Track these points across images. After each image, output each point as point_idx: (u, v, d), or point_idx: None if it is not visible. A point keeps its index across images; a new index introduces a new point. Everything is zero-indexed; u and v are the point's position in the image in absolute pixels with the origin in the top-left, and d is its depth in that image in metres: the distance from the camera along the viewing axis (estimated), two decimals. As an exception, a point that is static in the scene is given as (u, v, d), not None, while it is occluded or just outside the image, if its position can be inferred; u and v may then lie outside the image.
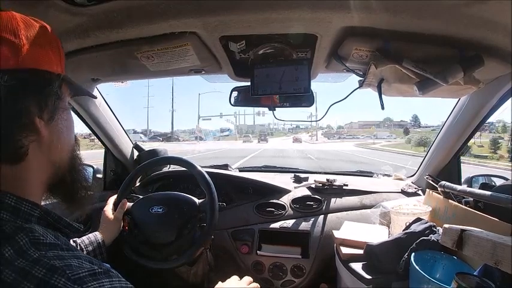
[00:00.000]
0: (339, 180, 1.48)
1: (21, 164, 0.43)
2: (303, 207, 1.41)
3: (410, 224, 0.99)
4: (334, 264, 1.12)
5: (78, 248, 0.90)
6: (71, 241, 0.77)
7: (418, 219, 0.99)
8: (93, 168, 1.53)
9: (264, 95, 1.07)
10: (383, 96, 0.98)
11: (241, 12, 0.74)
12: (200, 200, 1.12)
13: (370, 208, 1.32)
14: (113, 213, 1.06)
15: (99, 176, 1.59)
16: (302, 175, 1.61)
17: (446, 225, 0.78)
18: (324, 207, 1.40)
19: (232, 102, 1.21)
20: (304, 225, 1.33)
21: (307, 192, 1.47)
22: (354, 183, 1.50)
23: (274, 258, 1.30)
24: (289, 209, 1.40)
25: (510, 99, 1.08)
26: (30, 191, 0.45)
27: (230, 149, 22.68)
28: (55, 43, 0.48)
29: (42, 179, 0.47)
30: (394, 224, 1.10)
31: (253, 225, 1.37)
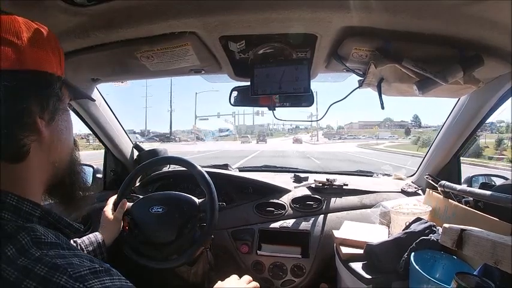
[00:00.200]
0: (339, 180, 1.48)
1: (22, 164, 0.44)
2: (303, 207, 1.41)
3: (410, 223, 0.99)
4: (334, 264, 1.12)
5: (79, 248, 0.90)
6: (72, 241, 0.77)
7: (418, 219, 0.99)
8: (93, 168, 1.53)
9: (264, 95, 1.07)
10: (383, 95, 0.98)
11: (241, 12, 0.74)
12: (200, 200, 1.12)
13: (370, 208, 1.32)
14: (112, 214, 1.06)
15: (99, 176, 1.60)
16: (302, 175, 1.61)
17: (446, 225, 0.78)
18: (324, 206, 1.40)
19: (232, 102, 1.21)
20: (304, 225, 1.33)
21: (307, 192, 1.47)
22: (353, 183, 1.51)
23: (274, 258, 1.30)
24: (289, 208, 1.40)
25: (510, 99, 1.08)
26: (31, 190, 0.45)
27: (224, 150, 22.04)
28: (55, 46, 0.48)
29: (42, 179, 0.48)
30: (394, 223, 1.10)
31: (253, 224, 1.37)
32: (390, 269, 0.88)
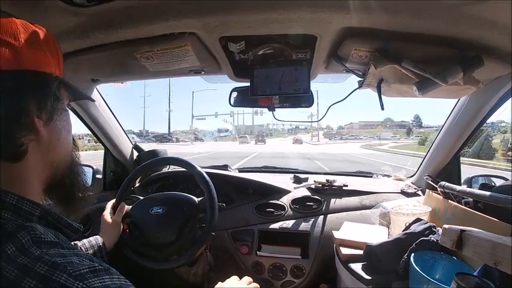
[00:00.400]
0: (339, 180, 1.48)
1: (20, 163, 0.44)
2: (303, 207, 1.41)
3: (410, 224, 0.99)
4: (334, 265, 1.12)
5: None
6: (72, 244, 0.77)
7: (417, 220, 0.99)
8: (92, 168, 1.53)
9: (264, 96, 1.07)
10: (383, 96, 0.98)
11: (240, 12, 0.74)
12: (199, 199, 1.12)
13: (370, 208, 1.32)
14: (111, 217, 1.06)
15: (99, 176, 1.60)
16: (302, 175, 1.61)
17: (445, 226, 0.78)
18: (323, 207, 1.40)
19: (232, 103, 1.21)
20: (304, 226, 1.33)
21: (307, 193, 1.47)
22: (353, 183, 1.51)
23: (274, 259, 1.30)
24: (289, 209, 1.40)
25: (510, 99, 1.08)
26: (30, 190, 0.45)
27: (217, 151, 20.67)
28: (54, 47, 0.49)
29: (41, 178, 0.48)
30: (393, 224, 1.10)
31: (253, 225, 1.37)
32: (390, 269, 0.88)
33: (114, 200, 1.14)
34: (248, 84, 1.06)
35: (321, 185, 1.47)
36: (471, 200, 0.95)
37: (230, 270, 1.12)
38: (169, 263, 1.05)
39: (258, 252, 1.31)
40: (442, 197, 1.08)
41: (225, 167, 1.73)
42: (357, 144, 38.56)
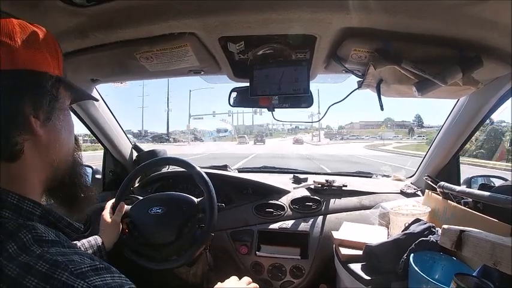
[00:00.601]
0: (338, 181, 1.48)
1: (18, 163, 0.44)
2: (302, 207, 1.41)
3: (410, 224, 0.99)
4: (334, 265, 1.12)
5: None
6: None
7: (417, 220, 0.99)
8: (92, 168, 1.53)
9: (263, 96, 1.07)
10: (382, 97, 0.98)
11: (240, 12, 0.74)
12: (199, 199, 1.12)
13: (369, 209, 1.32)
14: (111, 217, 1.06)
15: (98, 176, 1.59)
16: (301, 176, 1.61)
17: (445, 226, 0.78)
18: (323, 207, 1.40)
19: (231, 103, 1.21)
20: (304, 226, 1.33)
21: (307, 193, 1.47)
22: (353, 184, 1.50)
23: (273, 259, 1.30)
24: (289, 209, 1.40)
25: (509, 99, 1.09)
26: (30, 189, 0.46)
27: (212, 152, 19.59)
28: (53, 46, 0.48)
29: (41, 178, 0.48)
30: (393, 224, 1.10)
31: (252, 225, 1.37)
32: (389, 270, 0.88)
33: (113, 200, 1.14)
34: (248, 84, 1.06)
35: (320, 185, 1.47)
36: (470, 200, 0.95)
37: (229, 270, 1.12)
38: (168, 263, 1.05)
39: (257, 252, 1.31)
40: (441, 198, 1.08)
41: (224, 167, 1.73)
42: (360, 144, 37.43)
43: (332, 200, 1.42)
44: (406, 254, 0.86)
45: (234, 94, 1.20)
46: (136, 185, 1.62)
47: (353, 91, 1.03)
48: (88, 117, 1.37)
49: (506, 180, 1.21)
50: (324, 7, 0.71)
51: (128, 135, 1.67)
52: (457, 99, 1.23)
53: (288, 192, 1.49)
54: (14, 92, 0.43)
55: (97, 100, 0.64)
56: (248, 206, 1.43)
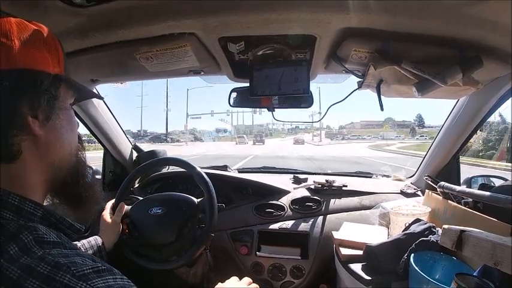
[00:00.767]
0: (338, 181, 1.48)
1: (18, 163, 0.43)
2: (302, 208, 1.41)
3: (410, 224, 0.99)
4: (334, 265, 1.12)
5: None
6: None
7: (417, 220, 0.99)
8: (92, 169, 1.53)
9: (263, 96, 1.07)
10: (382, 97, 0.98)
11: (240, 13, 0.74)
12: (199, 199, 1.12)
13: (369, 209, 1.32)
14: (111, 217, 1.06)
15: (98, 177, 1.59)
16: (301, 176, 1.61)
17: (445, 226, 0.78)
18: (323, 208, 1.40)
19: (231, 104, 1.21)
20: (304, 226, 1.33)
21: (307, 193, 1.47)
22: (353, 184, 1.50)
23: (273, 259, 1.30)
24: (289, 210, 1.40)
25: (509, 99, 1.09)
26: (31, 190, 0.45)
27: (206, 154, 18.40)
28: (52, 43, 0.48)
29: (42, 178, 0.47)
30: (393, 224, 1.10)
31: (252, 226, 1.37)
32: (390, 270, 0.88)
33: (113, 201, 1.14)
34: (247, 84, 1.06)
35: (320, 186, 1.47)
36: (471, 200, 0.95)
37: (230, 270, 1.12)
38: (168, 264, 1.05)
39: (257, 252, 1.31)
40: (441, 197, 1.08)
41: (224, 168, 1.73)
42: (363, 144, 36.12)
43: (332, 200, 1.42)
44: (406, 254, 0.85)
45: (234, 94, 1.20)
46: (136, 185, 1.61)
47: (353, 91, 1.03)
48: (88, 117, 1.37)
49: (506, 180, 1.21)
50: (324, 7, 0.71)
51: (127, 135, 1.67)
52: (457, 100, 1.23)
53: (288, 192, 1.49)
54: (10, 92, 0.42)
55: (102, 98, 0.64)
56: (248, 206, 1.43)
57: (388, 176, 1.73)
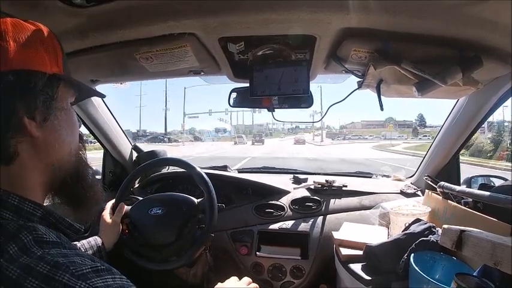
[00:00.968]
0: (338, 181, 1.48)
1: (16, 164, 0.43)
2: (302, 208, 1.41)
3: (410, 224, 0.99)
4: (334, 265, 1.12)
5: None
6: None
7: (417, 220, 0.99)
8: (91, 169, 1.52)
9: (263, 96, 1.07)
10: (382, 97, 0.98)
11: (240, 13, 0.74)
12: (199, 200, 1.12)
13: (369, 209, 1.32)
14: (111, 218, 1.06)
15: (98, 177, 1.59)
16: (301, 176, 1.61)
17: (445, 226, 0.78)
18: (323, 208, 1.40)
19: (231, 104, 1.21)
20: (304, 226, 1.33)
21: (307, 193, 1.47)
22: (353, 184, 1.51)
23: (273, 260, 1.30)
24: (289, 210, 1.40)
25: (509, 99, 1.09)
26: (31, 191, 0.45)
27: (200, 155, 16.71)
28: (50, 42, 0.47)
29: (41, 179, 0.47)
30: (393, 224, 1.10)
31: (252, 226, 1.37)
32: (390, 270, 0.88)
33: (113, 201, 1.14)
34: (247, 84, 1.06)
35: (320, 186, 1.47)
36: (471, 200, 0.95)
37: (229, 270, 1.12)
38: (168, 264, 1.05)
39: (257, 252, 1.31)
40: (441, 197, 1.08)
41: (224, 168, 1.73)
42: (366, 145, 34.16)
43: (332, 200, 1.42)
44: (406, 254, 0.85)
45: (233, 94, 1.20)
46: (136, 185, 1.61)
47: (353, 91, 1.03)
48: (87, 117, 1.37)
49: (506, 180, 1.21)
50: (324, 7, 0.71)
51: (126, 135, 1.67)
52: (457, 99, 1.23)
53: (288, 192, 1.49)
54: (5, 93, 0.41)
55: (104, 96, 0.63)
56: (248, 207, 1.43)
57: (388, 176, 1.73)
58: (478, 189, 0.96)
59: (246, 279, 0.86)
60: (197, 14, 0.74)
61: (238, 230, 1.36)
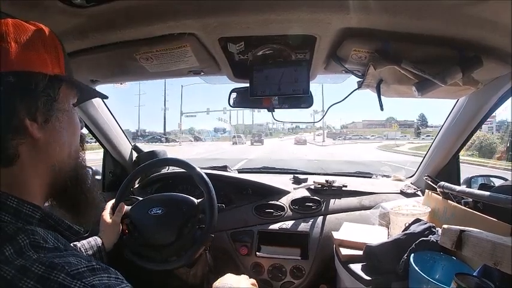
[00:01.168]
0: (338, 181, 1.48)
1: (16, 166, 0.43)
2: (302, 208, 1.41)
3: (410, 224, 0.99)
4: (334, 265, 1.12)
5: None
6: (72, 245, 0.77)
7: (417, 220, 0.99)
8: (91, 169, 1.53)
9: (263, 96, 1.07)
10: (382, 97, 0.98)
11: (240, 13, 0.74)
12: (199, 200, 1.12)
13: (369, 209, 1.32)
14: (111, 218, 1.06)
15: (98, 177, 1.59)
16: (301, 176, 1.61)
17: (445, 226, 0.78)
18: (323, 208, 1.40)
19: (231, 104, 1.21)
20: (304, 226, 1.33)
21: (307, 194, 1.47)
22: (353, 184, 1.51)
23: (273, 260, 1.30)
24: (289, 210, 1.40)
25: (509, 99, 1.09)
26: (30, 193, 0.45)
27: (193, 157, 13.38)
28: (52, 44, 0.47)
29: (42, 182, 0.47)
30: (393, 224, 1.10)
31: (252, 226, 1.37)
32: (390, 270, 0.88)
33: (113, 201, 1.14)
34: (247, 84, 1.06)
35: (320, 186, 1.47)
36: (470, 200, 0.95)
37: (230, 271, 1.11)
38: (168, 264, 1.05)
39: (257, 253, 1.31)
40: (441, 197, 1.08)
41: (224, 168, 1.73)
42: (370, 145, 32.20)
43: (332, 201, 1.42)
44: (406, 254, 0.86)
45: (233, 95, 1.20)
46: (136, 185, 1.61)
47: (353, 91, 1.03)
48: (87, 117, 1.37)
49: (506, 180, 1.21)
50: (324, 7, 0.71)
51: (126, 136, 1.67)
52: (456, 99, 1.23)
53: (288, 192, 1.49)
54: (6, 95, 0.41)
55: (106, 97, 0.63)
56: (248, 207, 1.43)
57: (388, 176, 1.73)
58: (478, 189, 0.96)
59: (244, 276, 0.86)
60: (197, 14, 0.74)
61: (238, 230, 1.36)
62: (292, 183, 1.58)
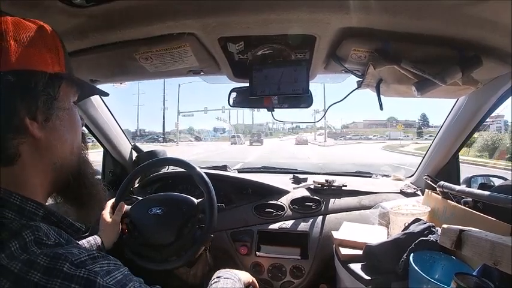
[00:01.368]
0: (338, 180, 1.48)
1: (18, 165, 0.43)
2: (302, 208, 1.41)
3: (409, 224, 0.99)
4: (334, 265, 1.12)
5: None
6: None
7: (417, 220, 0.99)
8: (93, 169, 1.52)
9: (263, 96, 1.07)
10: (382, 96, 0.98)
11: (239, 13, 0.74)
12: (199, 200, 1.12)
13: (369, 209, 1.32)
14: (110, 217, 1.06)
15: (98, 177, 1.59)
16: (301, 176, 1.61)
17: (445, 226, 0.78)
18: (323, 207, 1.40)
19: (231, 103, 1.21)
20: (303, 226, 1.33)
21: (306, 193, 1.47)
22: (353, 183, 1.51)
23: (273, 259, 1.30)
24: (288, 209, 1.40)
25: (508, 99, 1.09)
26: (33, 191, 0.45)
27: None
28: (52, 42, 0.47)
29: (44, 180, 0.47)
30: (393, 224, 1.11)
31: (252, 226, 1.37)
32: (389, 269, 0.88)
33: (113, 200, 1.14)
34: (247, 84, 1.06)
35: (320, 185, 1.47)
36: (470, 199, 0.95)
37: (229, 270, 1.12)
38: (168, 264, 1.05)
39: (257, 252, 1.31)
40: (441, 197, 1.08)
41: (224, 168, 1.73)
42: (374, 145, 30.98)
43: (332, 200, 1.42)
44: (406, 254, 0.86)
45: (233, 94, 1.20)
46: (136, 185, 1.61)
47: (353, 91, 1.03)
48: (87, 117, 1.37)
49: (506, 179, 1.21)
50: (323, 7, 0.71)
51: (126, 135, 1.67)
52: (456, 99, 1.23)
53: (288, 192, 1.49)
54: (6, 94, 0.41)
55: (107, 95, 0.63)
56: (248, 207, 1.44)
57: (387, 176, 1.73)
58: (478, 188, 0.96)
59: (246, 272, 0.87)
60: (197, 14, 0.74)
61: (238, 230, 1.36)
62: (292, 182, 1.58)
